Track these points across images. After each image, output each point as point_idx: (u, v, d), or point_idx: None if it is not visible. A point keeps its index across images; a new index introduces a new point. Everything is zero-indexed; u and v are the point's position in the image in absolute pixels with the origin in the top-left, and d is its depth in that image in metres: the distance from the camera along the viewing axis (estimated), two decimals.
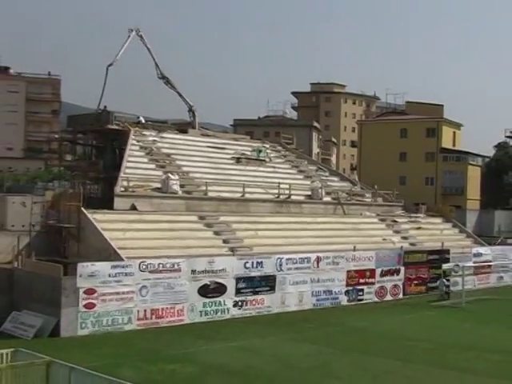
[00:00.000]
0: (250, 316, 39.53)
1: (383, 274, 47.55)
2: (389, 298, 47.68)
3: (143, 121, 61.51)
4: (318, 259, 43.81)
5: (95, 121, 54.13)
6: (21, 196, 51.06)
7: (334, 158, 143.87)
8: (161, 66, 62.13)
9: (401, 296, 48.56)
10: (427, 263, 51.16)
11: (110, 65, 58.72)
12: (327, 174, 67.97)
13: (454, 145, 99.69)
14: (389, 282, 47.96)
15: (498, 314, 43.43)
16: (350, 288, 45.55)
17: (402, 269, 48.90)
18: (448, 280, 49.76)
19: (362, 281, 46.22)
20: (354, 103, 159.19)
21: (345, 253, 46.01)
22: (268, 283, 40.98)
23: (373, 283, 46.91)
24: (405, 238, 57.56)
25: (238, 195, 52.79)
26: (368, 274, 46.62)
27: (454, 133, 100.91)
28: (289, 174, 62.63)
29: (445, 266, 51.57)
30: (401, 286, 48.83)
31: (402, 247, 52.17)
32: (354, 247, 47.72)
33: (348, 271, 45.39)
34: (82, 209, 41.80)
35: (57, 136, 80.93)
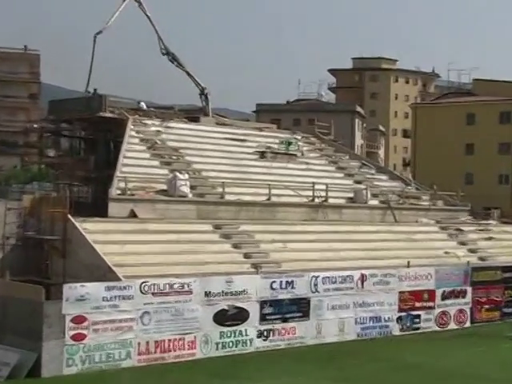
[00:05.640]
0: (278, 349, 39.54)
1: (445, 297, 47.46)
2: (453, 326, 47.62)
3: (144, 107, 61.67)
4: (363, 278, 43.77)
5: (84, 107, 54.31)
6: None
7: (381, 152, 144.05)
8: (165, 39, 62.34)
9: (468, 324, 48.48)
10: (502, 282, 50.94)
11: (99, 33, 58.90)
12: (373, 171, 68.05)
13: None
14: (452, 307, 47.87)
15: None
16: (404, 314, 45.49)
17: (470, 290, 48.80)
18: None
19: (418, 305, 46.15)
20: (407, 82, 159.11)
21: (396, 270, 45.94)
22: (300, 308, 40.97)
23: (432, 307, 46.84)
24: (472, 250, 57.45)
25: (263, 198, 52.95)
26: (426, 296, 46.55)
27: None
28: (325, 171, 62.76)
29: None
30: (468, 312, 48.73)
31: (468, 262, 52.00)
32: (408, 262, 47.64)
33: (400, 292, 45.33)
34: (69, 216, 42.04)
35: (36, 126, 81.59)
